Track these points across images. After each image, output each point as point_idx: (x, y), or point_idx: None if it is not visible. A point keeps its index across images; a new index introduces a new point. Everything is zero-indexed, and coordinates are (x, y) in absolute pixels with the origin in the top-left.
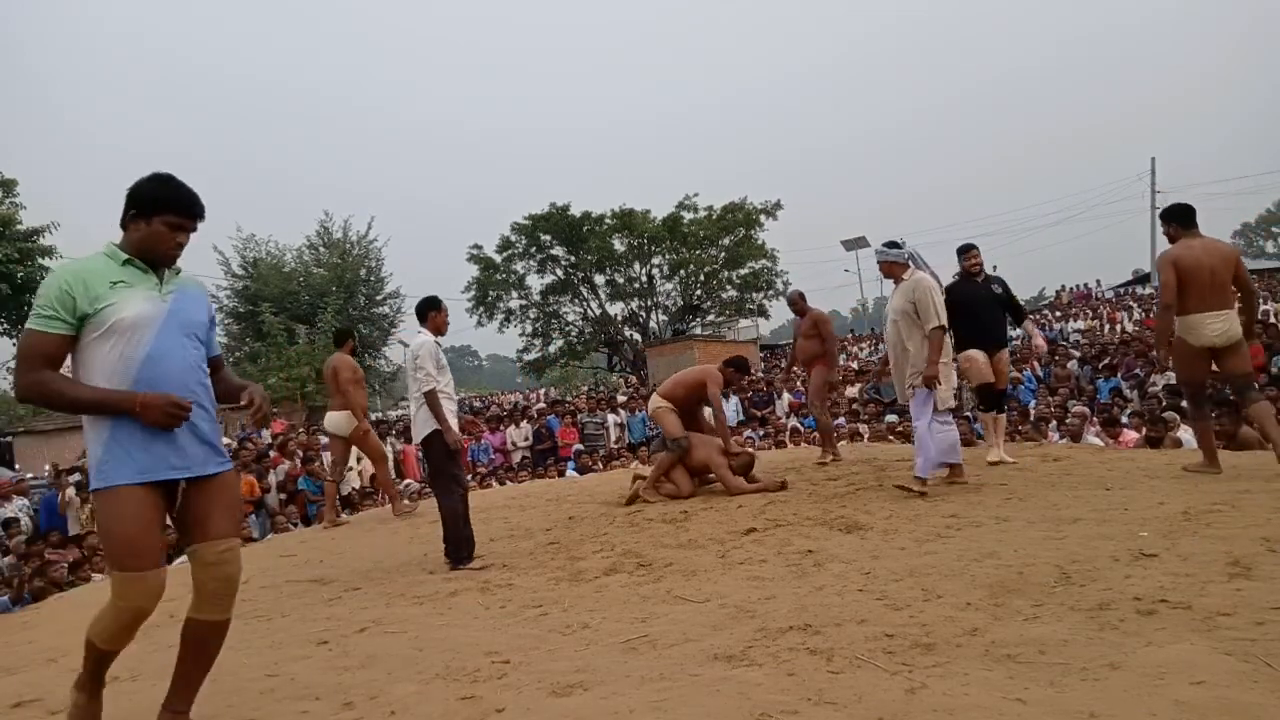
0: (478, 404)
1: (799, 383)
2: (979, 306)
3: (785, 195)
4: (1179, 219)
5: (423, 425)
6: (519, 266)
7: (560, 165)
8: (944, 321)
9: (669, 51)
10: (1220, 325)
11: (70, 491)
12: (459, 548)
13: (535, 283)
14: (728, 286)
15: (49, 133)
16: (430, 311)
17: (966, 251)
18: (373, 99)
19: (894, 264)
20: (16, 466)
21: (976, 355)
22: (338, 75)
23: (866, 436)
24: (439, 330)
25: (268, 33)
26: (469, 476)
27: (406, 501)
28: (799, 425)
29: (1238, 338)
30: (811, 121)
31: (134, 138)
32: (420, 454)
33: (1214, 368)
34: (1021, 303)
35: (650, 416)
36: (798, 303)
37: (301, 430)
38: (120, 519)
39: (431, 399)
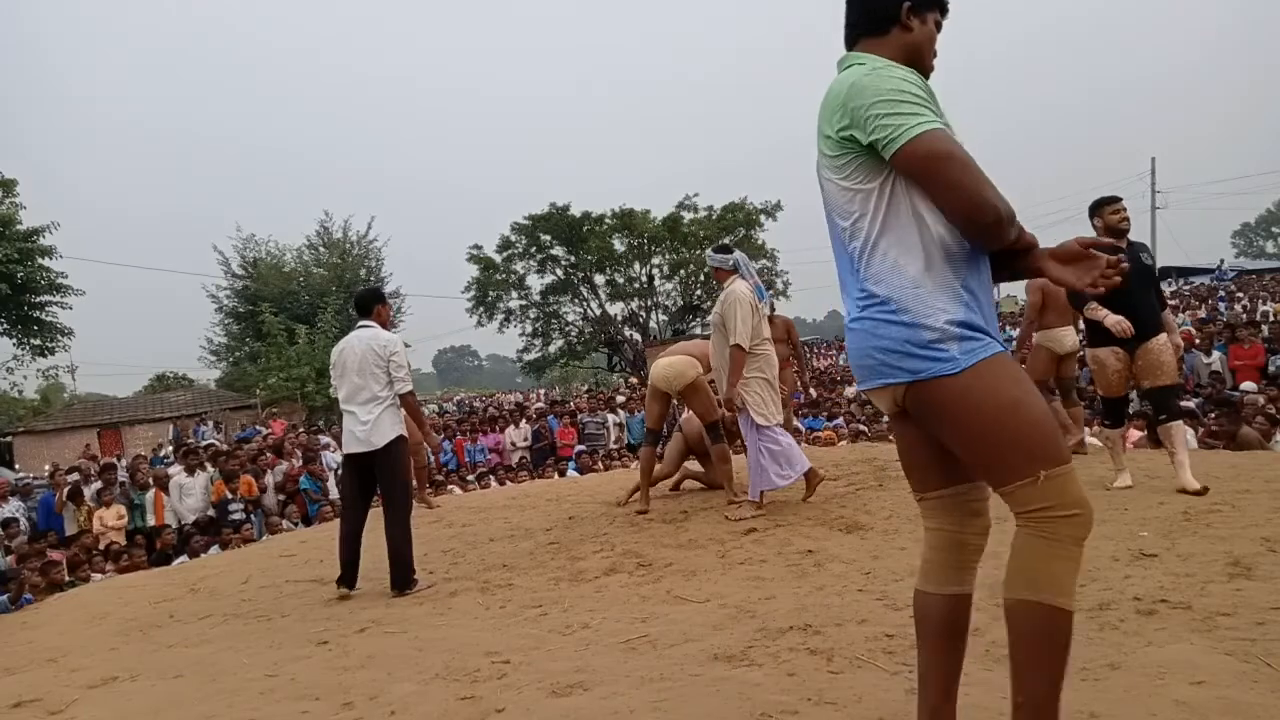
0: (478, 404)
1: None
2: (1136, 283)
3: (783, 193)
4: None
5: (389, 429)
6: (519, 266)
7: (559, 162)
8: (743, 340)
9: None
10: (1072, 339)
11: (67, 491)
12: (411, 569)
13: (535, 283)
14: None
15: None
16: (377, 305)
17: (1108, 204)
18: (391, 76)
19: (718, 269)
20: (16, 467)
21: (1105, 358)
22: (359, 58)
23: (868, 436)
24: (384, 325)
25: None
26: (468, 476)
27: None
28: (799, 426)
29: (1078, 349)
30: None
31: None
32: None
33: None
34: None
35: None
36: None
37: (301, 430)
38: (1033, 391)
39: (411, 400)
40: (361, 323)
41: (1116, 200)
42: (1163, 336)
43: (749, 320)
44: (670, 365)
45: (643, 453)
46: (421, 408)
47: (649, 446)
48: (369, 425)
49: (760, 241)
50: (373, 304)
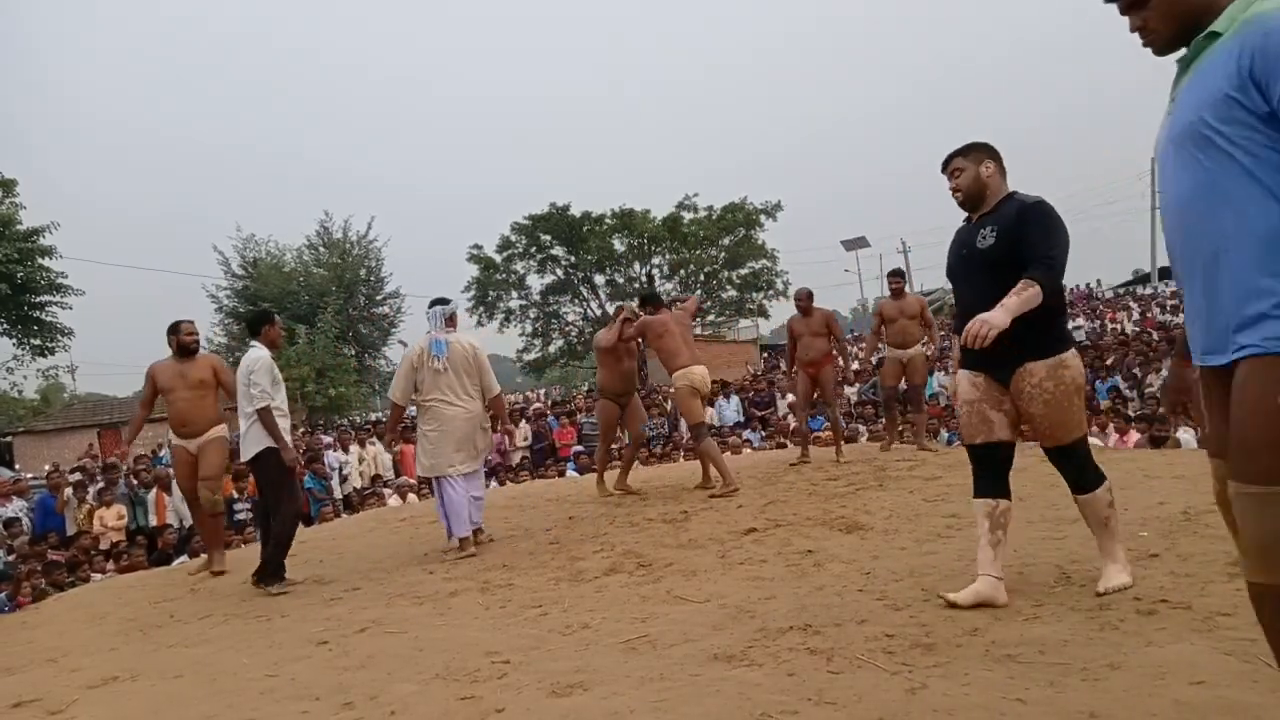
0: None
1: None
2: (966, 273)
3: (782, 192)
4: (654, 301)
5: (254, 443)
6: (519, 266)
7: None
8: (393, 394)
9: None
10: (698, 374)
11: (68, 491)
12: (278, 570)
13: (535, 283)
14: (728, 286)
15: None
16: (264, 325)
17: (944, 166)
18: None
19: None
20: (16, 466)
21: (961, 384)
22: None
23: (865, 437)
24: (273, 345)
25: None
26: None
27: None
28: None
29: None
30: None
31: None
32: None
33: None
34: (1046, 251)
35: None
36: (807, 301)
37: (302, 430)
38: None
39: (266, 416)
40: (251, 343)
41: (946, 163)
42: (1037, 368)
43: (403, 378)
44: (704, 375)
45: (708, 445)
46: (279, 423)
47: (709, 438)
48: (242, 439)
49: (760, 241)
50: (259, 325)
